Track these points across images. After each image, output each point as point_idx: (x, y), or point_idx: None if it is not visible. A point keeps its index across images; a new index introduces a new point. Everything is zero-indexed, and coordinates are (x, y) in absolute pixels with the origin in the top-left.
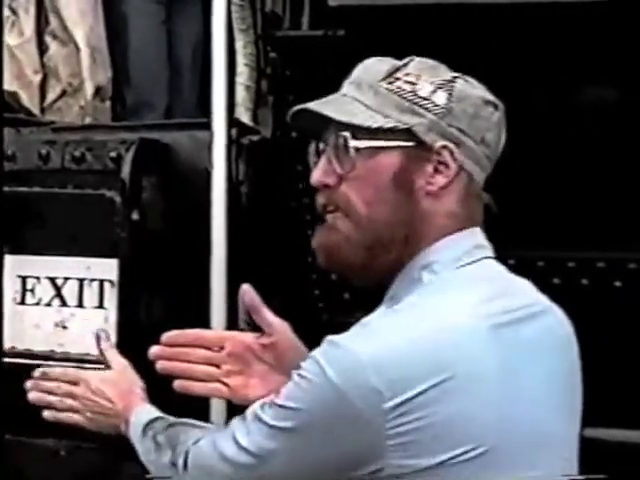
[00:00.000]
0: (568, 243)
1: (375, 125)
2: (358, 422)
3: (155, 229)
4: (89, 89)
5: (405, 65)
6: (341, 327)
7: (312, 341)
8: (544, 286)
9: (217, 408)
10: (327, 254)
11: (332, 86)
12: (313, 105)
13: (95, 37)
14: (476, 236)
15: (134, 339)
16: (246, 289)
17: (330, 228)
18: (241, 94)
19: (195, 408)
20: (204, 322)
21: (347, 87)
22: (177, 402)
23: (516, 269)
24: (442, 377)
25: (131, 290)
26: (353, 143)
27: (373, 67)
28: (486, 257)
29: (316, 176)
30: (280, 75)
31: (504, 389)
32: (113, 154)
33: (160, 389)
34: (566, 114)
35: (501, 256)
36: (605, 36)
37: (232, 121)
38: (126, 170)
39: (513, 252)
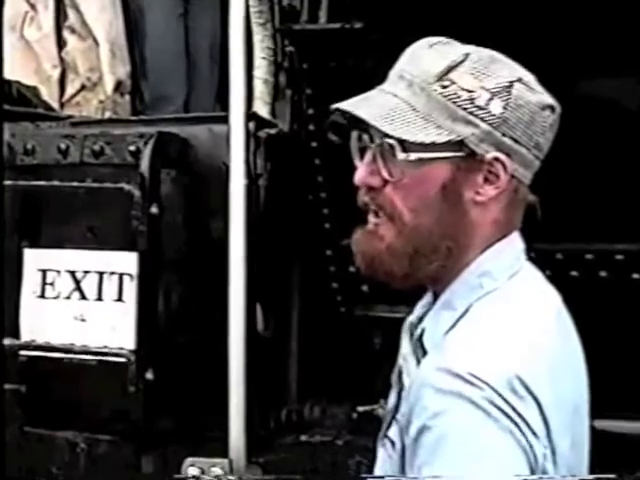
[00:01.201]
0: (586, 236)
1: (428, 141)
2: None
3: (174, 222)
4: (109, 83)
5: (461, 63)
6: (359, 320)
7: (330, 333)
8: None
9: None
10: (368, 262)
11: (350, 79)
12: (361, 111)
13: (114, 32)
14: (519, 240)
15: (153, 332)
16: None
17: (372, 233)
18: (259, 88)
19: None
20: (222, 315)
21: (397, 83)
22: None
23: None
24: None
25: (150, 283)
26: (402, 155)
27: (424, 60)
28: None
29: (360, 176)
30: (298, 68)
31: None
32: (132, 148)
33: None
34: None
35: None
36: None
37: (250, 115)
38: (145, 164)
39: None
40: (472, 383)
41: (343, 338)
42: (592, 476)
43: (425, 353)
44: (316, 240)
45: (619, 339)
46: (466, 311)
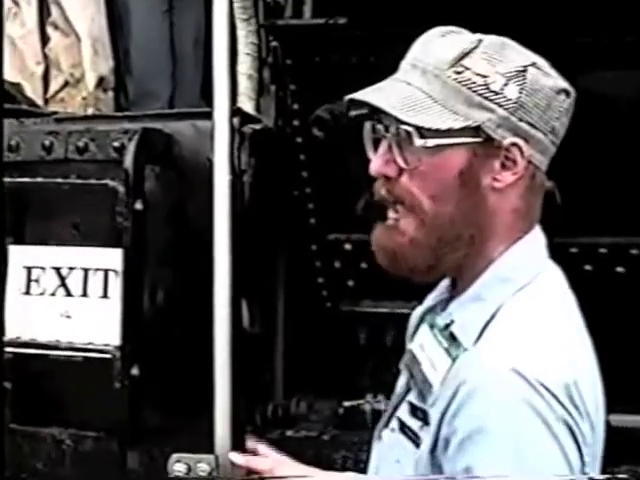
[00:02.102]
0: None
1: (444, 127)
2: None
3: (158, 218)
4: (91, 80)
5: (473, 49)
6: (345, 315)
7: (316, 329)
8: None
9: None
10: (390, 258)
11: (334, 74)
12: (377, 100)
13: (96, 28)
14: (542, 235)
15: (138, 328)
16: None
17: (393, 229)
18: (243, 83)
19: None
20: (207, 311)
21: (410, 72)
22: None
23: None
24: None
25: (135, 279)
26: (419, 142)
27: (437, 49)
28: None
29: (376, 166)
30: (282, 64)
31: None
32: (116, 144)
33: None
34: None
35: None
36: None
37: (234, 110)
38: (129, 160)
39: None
40: (539, 392)
41: (329, 333)
42: (603, 476)
43: (459, 347)
44: (301, 235)
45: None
46: (500, 306)
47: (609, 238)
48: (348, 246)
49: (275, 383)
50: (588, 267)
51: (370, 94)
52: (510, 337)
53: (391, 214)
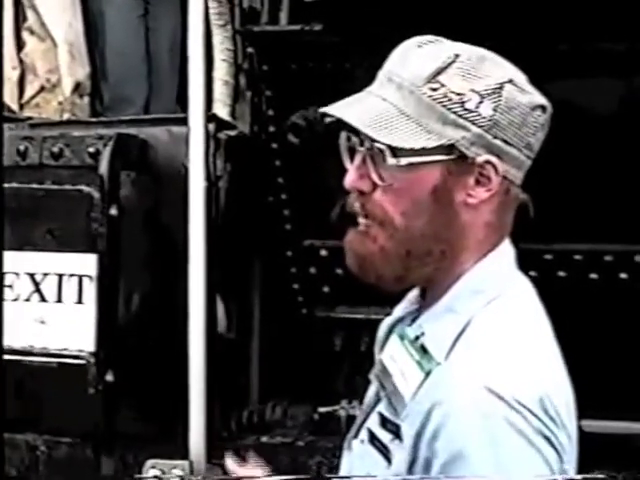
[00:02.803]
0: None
1: (417, 146)
2: None
3: (133, 224)
4: (67, 85)
5: (450, 64)
6: (320, 321)
7: (291, 334)
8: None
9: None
10: (360, 263)
11: (310, 80)
12: (351, 116)
13: (73, 33)
14: (510, 245)
15: (113, 334)
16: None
17: (365, 235)
18: (219, 89)
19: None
20: (182, 316)
21: (386, 85)
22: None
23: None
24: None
25: (110, 285)
26: (392, 161)
27: (413, 61)
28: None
29: (350, 181)
30: (258, 70)
31: None
32: (91, 150)
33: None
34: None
35: None
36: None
37: (210, 116)
38: (104, 165)
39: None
40: (516, 409)
41: (304, 339)
42: (580, 476)
43: (432, 360)
44: (277, 241)
45: (607, 339)
46: (472, 318)
47: (584, 245)
48: (324, 252)
49: (250, 389)
50: (562, 274)
51: (344, 109)
52: (483, 352)
53: (362, 220)
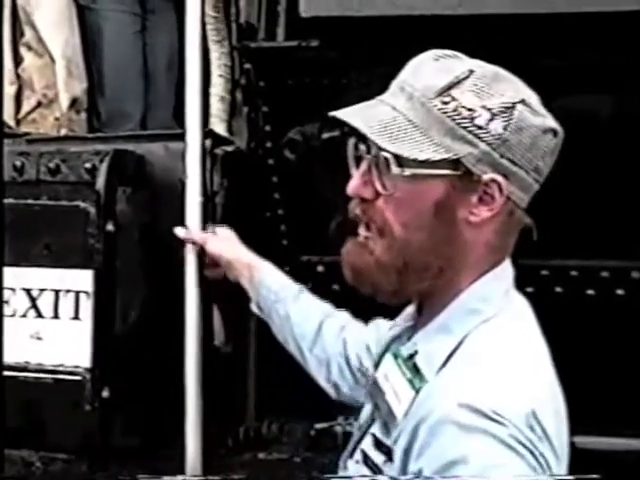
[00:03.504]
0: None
1: (422, 157)
2: None
3: (130, 240)
4: (64, 101)
5: (463, 80)
6: None
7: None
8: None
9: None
10: (356, 274)
11: (307, 96)
12: (360, 122)
13: (70, 48)
14: (510, 266)
15: (109, 350)
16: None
17: (362, 246)
18: (215, 105)
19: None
20: (179, 332)
21: (397, 94)
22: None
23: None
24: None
25: (106, 301)
26: (396, 170)
27: (427, 74)
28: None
29: (354, 187)
30: (255, 86)
31: None
32: (88, 165)
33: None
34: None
35: None
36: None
37: (206, 132)
38: (101, 181)
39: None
40: (497, 421)
41: None
42: (573, 476)
43: (423, 379)
44: (274, 257)
45: (603, 355)
46: (465, 337)
47: (581, 261)
48: (320, 268)
49: (247, 405)
50: (559, 289)
51: (353, 115)
52: (470, 370)
53: (362, 231)
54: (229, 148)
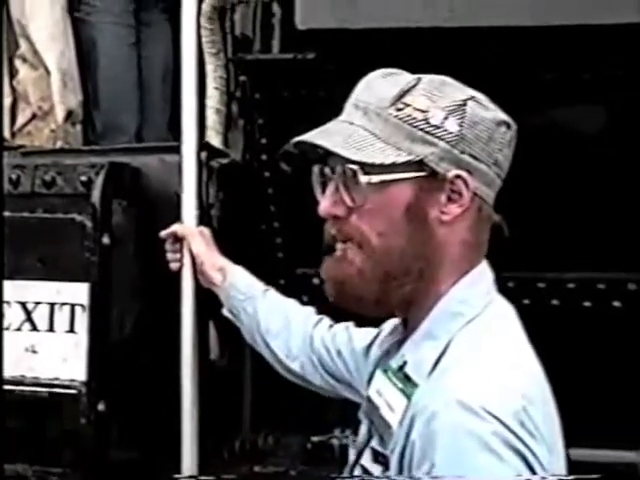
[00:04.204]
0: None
1: (388, 162)
2: None
3: (126, 253)
4: (60, 113)
5: (413, 87)
6: None
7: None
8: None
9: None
10: (338, 288)
11: (302, 109)
12: (321, 140)
13: (65, 61)
14: (489, 269)
15: (105, 363)
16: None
17: (341, 260)
18: (211, 117)
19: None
20: (174, 345)
21: (353, 113)
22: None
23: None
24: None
25: (102, 314)
26: (364, 179)
27: (378, 88)
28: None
29: (325, 207)
30: (250, 98)
31: None
32: (83, 178)
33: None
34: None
35: None
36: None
37: (202, 144)
38: (96, 194)
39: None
40: (484, 419)
41: None
42: (573, 476)
43: (414, 385)
44: (269, 270)
45: (600, 367)
46: (451, 340)
47: (577, 273)
48: (316, 280)
49: (243, 418)
50: (555, 302)
51: (314, 136)
52: (458, 370)
53: (339, 245)
54: (225, 160)
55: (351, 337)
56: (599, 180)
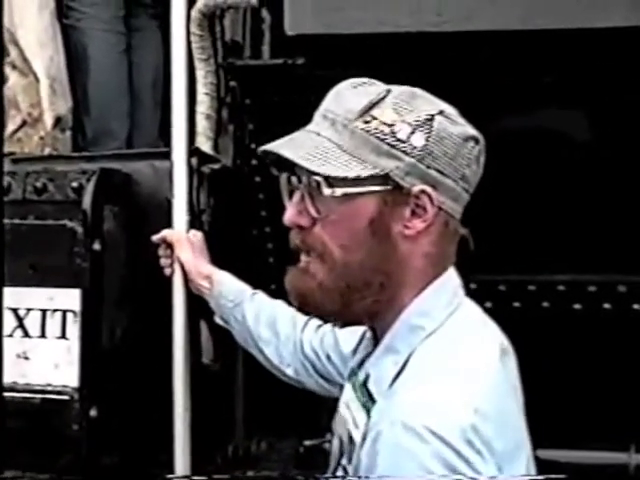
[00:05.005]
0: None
1: (352, 175)
2: None
3: (117, 259)
4: (49, 120)
5: (382, 100)
6: None
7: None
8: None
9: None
10: (301, 299)
11: (292, 114)
12: (286, 151)
13: (55, 67)
14: (455, 276)
15: (97, 369)
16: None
17: (304, 272)
18: (201, 123)
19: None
20: (166, 351)
21: (320, 123)
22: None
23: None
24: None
25: (94, 320)
26: (328, 191)
27: (347, 99)
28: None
29: (289, 216)
30: (240, 104)
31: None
32: (74, 184)
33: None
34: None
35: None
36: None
37: (192, 150)
38: (87, 200)
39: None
40: (425, 440)
41: None
42: (542, 476)
43: (374, 401)
44: (260, 275)
45: (590, 369)
46: (410, 355)
47: (567, 275)
48: None
49: (236, 422)
50: (546, 304)
51: (280, 145)
52: (410, 388)
53: (303, 257)
54: (215, 166)
55: (337, 340)
56: (590, 183)
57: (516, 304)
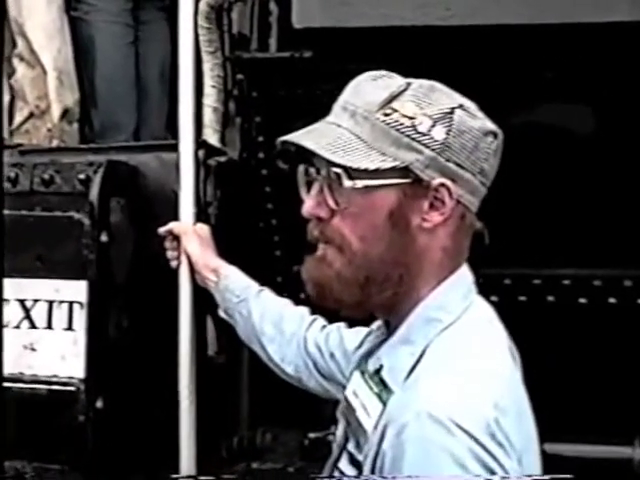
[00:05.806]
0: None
1: (372, 167)
2: None
3: (123, 250)
4: (56, 112)
5: (402, 92)
6: None
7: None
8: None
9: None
10: (318, 289)
11: (299, 107)
12: (307, 141)
13: (62, 60)
14: (469, 272)
15: (103, 360)
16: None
17: (321, 260)
18: (208, 116)
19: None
20: (172, 343)
21: (340, 114)
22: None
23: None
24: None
25: (100, 311)
26: (348, 183)
27: (367, 92)
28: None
29: (308, 208)
30: (247, 96)
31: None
32: (81, 176)
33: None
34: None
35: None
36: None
37: (200, 143)
38: (94, 192)
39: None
40: (454, 434)
41: None
42: (548, 476)
43: (389, 391)
44: (267, 267)
45: (596, 363)
46: (427, 347)
47: (573, 270)
48: None
49: (241, 414)
50: (551, 298)
51: (300, 136)
52: (432, 380)
53: (321, 246)
54: (222, 159)
55: (342, 338)
56: (595, 177)
57: (522, 298)
